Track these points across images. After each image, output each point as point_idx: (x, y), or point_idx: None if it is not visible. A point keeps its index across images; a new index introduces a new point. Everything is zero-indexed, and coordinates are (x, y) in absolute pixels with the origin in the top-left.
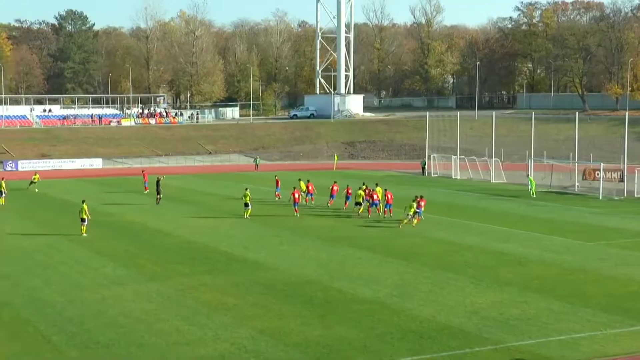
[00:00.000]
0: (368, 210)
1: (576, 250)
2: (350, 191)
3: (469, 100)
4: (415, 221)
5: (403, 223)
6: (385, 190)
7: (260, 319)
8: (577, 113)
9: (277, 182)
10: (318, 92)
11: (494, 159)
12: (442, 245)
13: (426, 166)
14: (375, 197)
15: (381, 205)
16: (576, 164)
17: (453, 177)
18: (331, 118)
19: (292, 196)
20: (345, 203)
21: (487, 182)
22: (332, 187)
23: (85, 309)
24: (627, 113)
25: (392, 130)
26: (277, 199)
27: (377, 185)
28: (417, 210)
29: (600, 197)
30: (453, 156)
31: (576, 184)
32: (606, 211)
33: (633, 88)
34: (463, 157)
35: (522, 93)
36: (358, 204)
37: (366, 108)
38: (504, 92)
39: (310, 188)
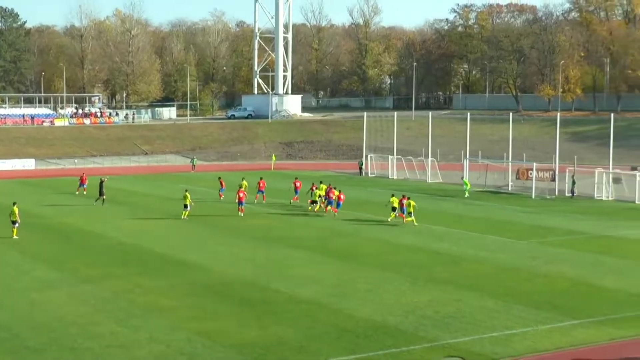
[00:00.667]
0: (325, 209)
1: (509, 248)
2: (315, 188)
3: (406, 100)
4: (406, 219)
5: (393, 219)
6: (339, 191)
7: (196, 321)
8: (511, 114)
9: (221, 182)
10: (256, 92)
11: (430, 158)
12: (379, 245)
13: (363, 166)
14: (331, 195)
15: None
16: (510, 163)
17: (390, 177)
18: (269, 118)
19: (237, 195)
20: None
21: (424, 182)
22: (295, 183)
23: (16, 314)
24: (558, 114)
25: (329, 130)
26: (221, 198)
27: (320, 182)
28: (402, 209)
29: (533, 196)
30: (390, 156)
31: (510, 183)
32: (538, 210)
33: (564, 89)
34: (400, 157)
35: (458, 94)
36: (314, 202)
37: (304, 108)
38: (441, 93)
39: (261, 185)
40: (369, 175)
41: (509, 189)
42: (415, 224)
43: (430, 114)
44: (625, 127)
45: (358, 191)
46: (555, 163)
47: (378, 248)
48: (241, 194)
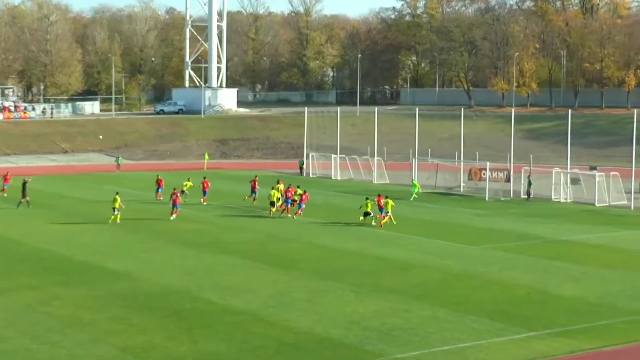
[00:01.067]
0: (287, 209)
1: (460, 254)
2: (291, 194)
3: (350, 95)
4: (383, 221)
5: (375, 221)
6: (304, 190)
7: (120, 335)
8: (462, 109)
9: (159, 182)
10: (187, 86)
11: (376, 158)
12: (321, 251)
13: (304, 166)
14: (289, 194)
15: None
16: (462, 163)
17: (333, 178)
18: (202, 113)
19: (170, 197)
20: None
21: (369, 183)
22: (254, 181)
23: None
24: (513, 110)
25: (267, 127)
26: (158, 199)
27: (278, 182)
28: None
29: (487, 198)
30: (333, 155)
31: (462, 184)
32: (492, 212)
33: (519, 83)
34: (344, 156)
35: (405, 88)
36: (272, 203)
37: (240, 103)
38: (387, 87)
39: (205, 185)
40: (311, 175)
41: (461, 190)
42: (394, 222)
43: (376, 109)
44: (583, 123)
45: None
46: (510, 162)
47: (320, 254)
48: (174, 196)
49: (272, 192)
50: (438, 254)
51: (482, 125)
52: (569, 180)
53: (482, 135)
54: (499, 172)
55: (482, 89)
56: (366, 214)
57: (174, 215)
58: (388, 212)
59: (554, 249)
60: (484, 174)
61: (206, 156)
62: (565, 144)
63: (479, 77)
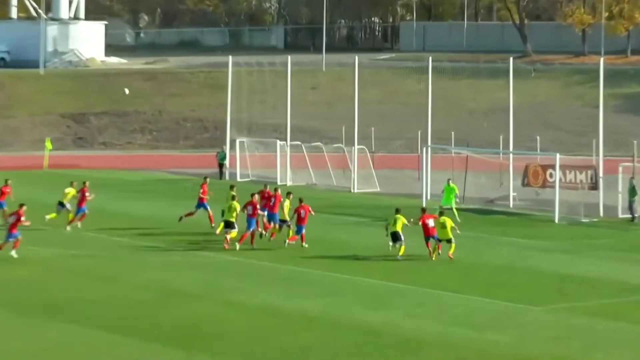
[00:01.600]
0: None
1: (512, 321)
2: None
3: (309, 34)
4: (450, 251)
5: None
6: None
7: None
8: (511, 59)
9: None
10: (15, 16)
11: (356, 146)
12: (256, 317)
13: (227, 161)
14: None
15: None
16: (511, 156)
17: (280, 183)
18: (40, 67)
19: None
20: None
21: (345, 193)
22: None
23: None
24: (602, 60)
25: (161, 91)
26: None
27: (231, 187)
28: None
29: (557, 220)
30: (279, 142)
31: (512, 193)
32: (566, 245)
33: (612, 14)
34: (298, 142)
35: (409, 21)
36: (229, 224)
37: (111, 48)
38: (377, 20)
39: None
40: (239, 177)
41: (510, 205)
42: (451, 256)
43: (356, 58)
44: None
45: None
46: (598, 155)
47: (254, 323)
48: (14, 218)
49: (231, 204)
50: (472, 322)
51: (546, 87)
52: None
53: (546, 106)
54: (577, 173)
55: (547, 23)
56: (395, 237)
57: (14, 252)
58: (450, 240)
59: None
60: (550, 175)
61: (47, 144)
62: None
63: (541, 4)
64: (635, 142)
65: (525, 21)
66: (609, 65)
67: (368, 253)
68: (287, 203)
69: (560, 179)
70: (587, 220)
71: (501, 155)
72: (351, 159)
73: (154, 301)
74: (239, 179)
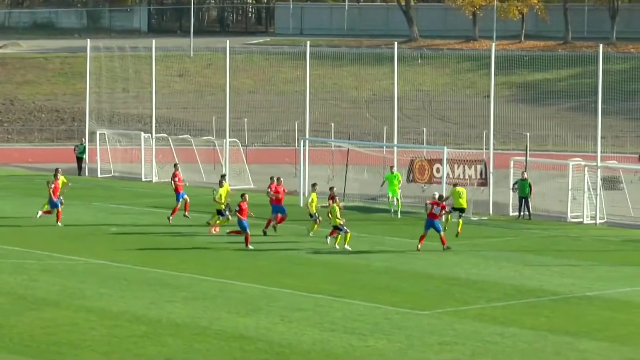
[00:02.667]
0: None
1: (394, 325)
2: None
3: (175, 16)
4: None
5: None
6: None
7: None
8: (396, 44)
9: None
10: None
11: (227, 139)
12: (117, 323)
13: (86, 155)
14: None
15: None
16: (395, 149)
17: (144, 180)
18: None
19: None
20: None
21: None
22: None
23: None
24: (493, 46)
25: (11, 78)
26: None
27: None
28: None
29: (443, 218)
30: (143, 134)
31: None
32: (455, 247)
33: None
34: (165, 135)
35: (286, 2)
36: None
37: None
38: (250, 0)
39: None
40: (99, 175)
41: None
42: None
43: (227, 43)
44: (626, 71)
45: (66, 213)
46: (488, 148)
47: (112, 330)
48: None
49: (221, 190)
50: (353, 328)
51: (433, 74)
52: (599, 183)
53: (434, 96)
54: (466, 167)
55: (434, 5)
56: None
57: None
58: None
59: (573, 315)
60: (437, 170)
61: None
62: (593, 112)
63: None
64: (528, 134)
65: (412, 3)
66: (502, 51)
67: (240, 255)
68: (313, 196)
69: (447, 175)
70: (476, 219)
71: (385, 148)
72: (222, 153)
73: (5, 308)
74: (99, 175)
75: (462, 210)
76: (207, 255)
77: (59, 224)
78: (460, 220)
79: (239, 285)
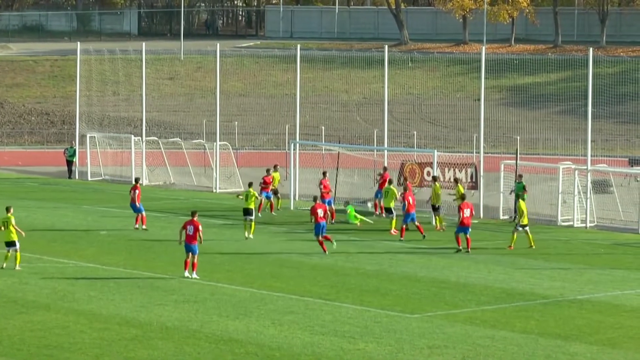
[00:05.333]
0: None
1: (388, 329)
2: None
3: (165, 19)
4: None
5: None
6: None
7: None
8: (386, 47)
9: None
10: None
11: (218, 142)
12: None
13: (77, 159)
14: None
15: None
16: (385, 152)
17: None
18: None
19: None
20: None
21: (209, 192)
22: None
23: None
24: (484, 49)
25: (3, 81)
26: None
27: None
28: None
29: (434, 222)
30: (134, 138)
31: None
32: (445, 250)
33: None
34: (155, 138)
35: (276, 5)
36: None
37: None
38: (240, 3)
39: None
40: (89, 178)
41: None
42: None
43: (217, 46)
44: (617, 75)
45: (56, 216)
46: (479, 151)
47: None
48: None
49: (249, 191)
50: (343, 331)
51: (424, 78)
52: (589, 187)
53: (424, 99)
54: (456, 171)
55: (425, 8)
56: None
57: None
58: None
59: (563, 318)
60: (428, 173)
61: None
62: (583, 115)
63: None
64: (518, 137)
65: (402, 6)
66: (492, 54)
67: (230, 258)
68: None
69: (437, 177)
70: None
71: (375, 152)
72: (213, 156)
73: None
74: (89, 178)
75: (388, 210)
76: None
77: (144, 227)
78: (392, 221)
79: (229, 289)
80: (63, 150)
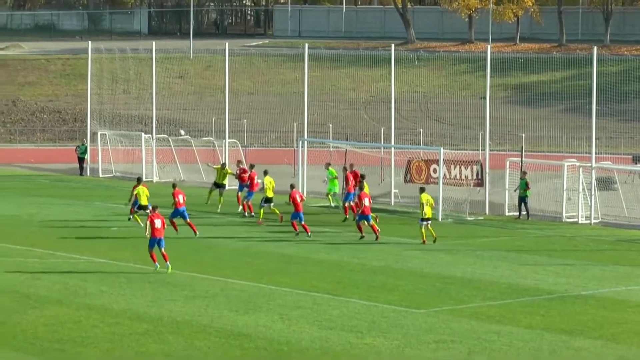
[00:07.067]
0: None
1: (394, 324)
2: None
3: (174, 18)
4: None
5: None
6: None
7: None
8: (393, 46)
9: None
10: None
11: (227, 140)
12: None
13: (88, 156)
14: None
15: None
16: (392, 150)
17: (145, 180)
18: None
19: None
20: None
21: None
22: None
23: None
24: (489, 48)
25: (13, 79)
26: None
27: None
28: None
29: (440, 218)
30: (144, 135)
31: (393, 190)
32: (450, 245)
33: None
34: (165, 136)
35: (284, 4)
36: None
37: None
38: (249, 3)
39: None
40: (100, 175)
41: (391, 203)
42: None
43: (227, 45)
44: (620, 73)
45: (67, 213)
46: (484, 149)
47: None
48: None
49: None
50: (351, 326)
51: (430, 76)
52: (594, 184)
53: (430, 97)
54: (462, 168)
55: (431, 8)
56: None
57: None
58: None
59: (568, 314)
60: (434, 171)
61: None
62: (588, 113)
63: None
64: (523, 135)
65: (409, 6)
66: (497, 53)
67: (238, 254)
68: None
69: (444, 175)
70: (472, 219)
71: (382, 149)
72: (222, 154)
73: (8, 306)
74: (101, 175)
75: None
76: (205, 254)
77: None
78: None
79: (238, 284)
80: (75, 147)
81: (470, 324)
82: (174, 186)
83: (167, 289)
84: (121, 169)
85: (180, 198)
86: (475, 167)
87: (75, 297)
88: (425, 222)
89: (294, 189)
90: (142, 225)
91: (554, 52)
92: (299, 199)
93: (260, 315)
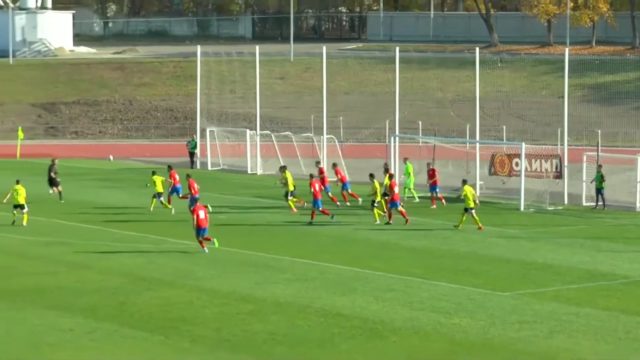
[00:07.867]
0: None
1: (480, 305)
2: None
3: (276, 24)
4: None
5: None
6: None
7: None
8: (477, 49)
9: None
10: None
11: (325, 136)
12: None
13: (197, 150)
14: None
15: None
16: (477, 145)
17: (250, 172)
18: (10, 56)
19: None
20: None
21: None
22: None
23: None
24: (567, 50)
25: (130, 80)
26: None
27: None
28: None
29: (522, 207)
30: (249, 131)
31: (478, 182)
32: (531, 233)
33: (578, 4)
34: (268, 132)
35: (377, 11)
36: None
37: (80, 38)
38: (344, 10)
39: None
40: (209, 167)
41: (477, 193)
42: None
43: (324, 48)
44: None
45: (179, 202)
46: (563, 144)
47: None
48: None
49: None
50: (440, 307)
51: (512, 77)
52: None
53: (512, 96)
54: (542, 162)
55: (512, 13)
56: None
57: None
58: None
59: None
60: (516, 164)
61: (19, 134)
62: None
63: None
64: (599, 131)
65: (492, 11)
66: (574, 55)
67: (334, 240)
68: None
69: (525, 168)
70: (552, 208)
71: (468, 144)
72: (320, 149)
73: (125, 287)
74: (209, 168)
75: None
76: (304, 241)
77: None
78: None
79: (335, 268)
80: (186, 142)
81: (551, 305)
82: (188, 177)
83: (270, 272)
84: (228, 163)
85: (196, 187)
86: (554, 161)
87: (186, 280)
88: (472, 210)
89: (313, 179)
90: (170, 207)
91: (628, 54)
92: (317, 188)
93: (356, 297)
